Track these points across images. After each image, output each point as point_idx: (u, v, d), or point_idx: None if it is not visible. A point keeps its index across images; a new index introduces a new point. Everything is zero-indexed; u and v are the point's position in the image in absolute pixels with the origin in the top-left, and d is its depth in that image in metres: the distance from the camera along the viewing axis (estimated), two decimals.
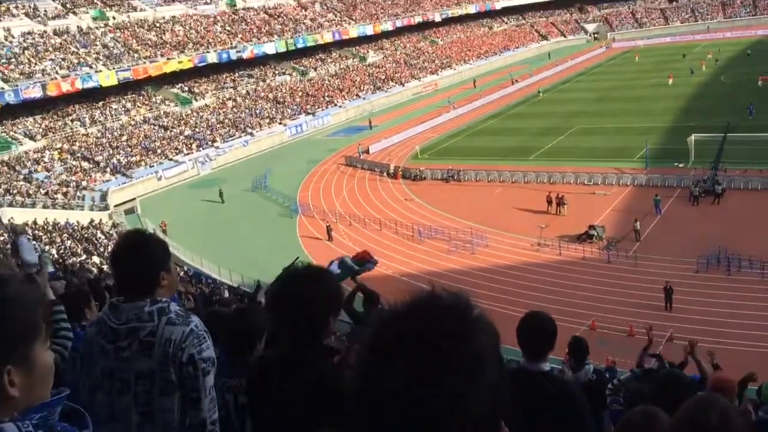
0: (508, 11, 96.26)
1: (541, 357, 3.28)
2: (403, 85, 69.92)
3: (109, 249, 29.67)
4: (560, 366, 7.77)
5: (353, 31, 73.54)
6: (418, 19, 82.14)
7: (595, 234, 27.74)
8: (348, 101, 63.40)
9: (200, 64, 57.85)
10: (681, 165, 34.87)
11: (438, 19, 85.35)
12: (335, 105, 61.91)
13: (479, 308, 1.08)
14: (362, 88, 66.69)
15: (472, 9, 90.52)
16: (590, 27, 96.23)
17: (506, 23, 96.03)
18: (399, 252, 29.38)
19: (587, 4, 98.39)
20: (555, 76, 69.76)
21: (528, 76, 69.95)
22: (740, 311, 20.34)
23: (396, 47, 79.29)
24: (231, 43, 61.73)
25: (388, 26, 77.97)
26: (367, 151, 47.07)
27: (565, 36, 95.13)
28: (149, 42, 57.10)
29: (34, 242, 22.97)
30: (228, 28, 64.32)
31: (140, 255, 2.54)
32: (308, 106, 60.03)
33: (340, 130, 57.05)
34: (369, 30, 75.28)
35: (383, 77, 70.12)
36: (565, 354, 7.03)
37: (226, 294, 23.53)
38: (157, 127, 50.94)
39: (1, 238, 27.23)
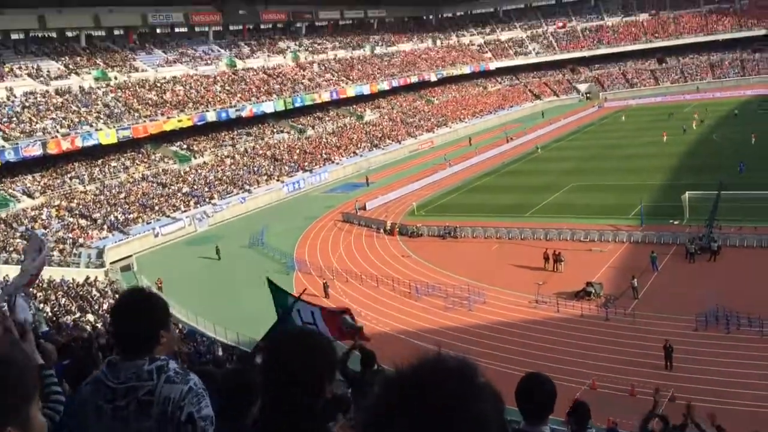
0: (501, 71, 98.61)
1: (542, 420, 3.24)
2: (400, 143, 70.89)
3: (104, 307, 29.43)
4: (564, 428, 7.63)
5: (350, 91, 75.03)
6: (413, 79, 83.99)
7: (593, 291, 27.65)
8: (345, 158, 64.14)
9: (200, 123, 58.71)
10: (676, 222, 35.11)
11: (433, 78, 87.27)
12: (332, 162, 62.60)
13: (485, 375, 1.09)
14: (359, 145, 67.58)
15: (466, 69, 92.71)
16: (582, 87, 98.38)
17: (500, 83, 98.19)
18: (396, 309, 29.19)
19: (579, 65, 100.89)
20: (549, 134, 70.90)
21: (522, 134, 71.10)
22: (741, 370, 20.11)
23: (392, 106, 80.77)
24: (230, 102, 62.84)
25: (385, 86, 79.62)
26: (364, 208, 47.32)
27: (557, 95, 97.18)
28: (150, 101, 58.07)
29: (29, 299, 22.71)
30: (228, 88, 65.57)
31: (140, 313, 2.51)
32: (306, 164, 60.67)
33: (337, 187, 57.51)
34: (366, 89, 76.83)
35: (380, 135, 71.16)
36: (565, 415, 6.93)
37: (220, 352, 23.27)
38: (155, 185, 51.28)
39: None
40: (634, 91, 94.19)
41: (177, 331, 24.31)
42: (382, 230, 42.09)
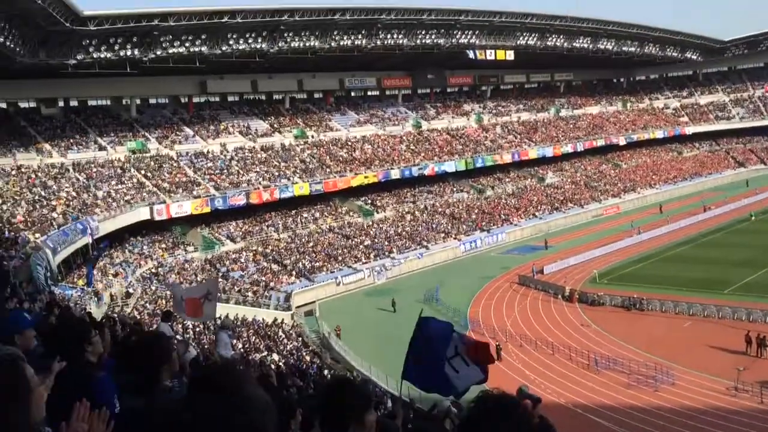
0: (699, 137, 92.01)
1: None
2: (582, 207, 68.45)
3: (288, 348, 31.35)
4: None
5: (533, 153, 74.38)
6: (600, 142, 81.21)
7: None
8: (524, 220, 63.19)
9: (384, 180, 61.56)
10: None
11: (622, 142, 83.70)
12: (511, 223, 61.95)
13: None
14: (539, 207, 66.31)
15: (659, 134, 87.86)
16: None
17: (697, 149, 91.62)
18: (572, 380, 27.71)
19: None
20: (755, 205, 64.31)
21: (722, 203, 65.31)
22: None
23: (576, 169, 78.54)
24: (414, 161, 65.27)
25: (569, 148, 77.86)
26: (542, 272, 45.99)
27: (765, 164, 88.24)
28: (340, 158, 62.20)
29: (233, 336, 24.81)
30: (412, 147, 68.25)
31: (333, 399, 2.79)
32: (484, 223, 60.66)
33: (514, 249, 56.59)
34: (549, 152, 75.72)
35: (561, 198, 69.34)
36: None
37: (389, 404, 23.57)
38: (340, 236, 54.19)
39: (198, 329, 29.95)
40: None
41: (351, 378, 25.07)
42: (560, 296, 40.56)
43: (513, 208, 65.48)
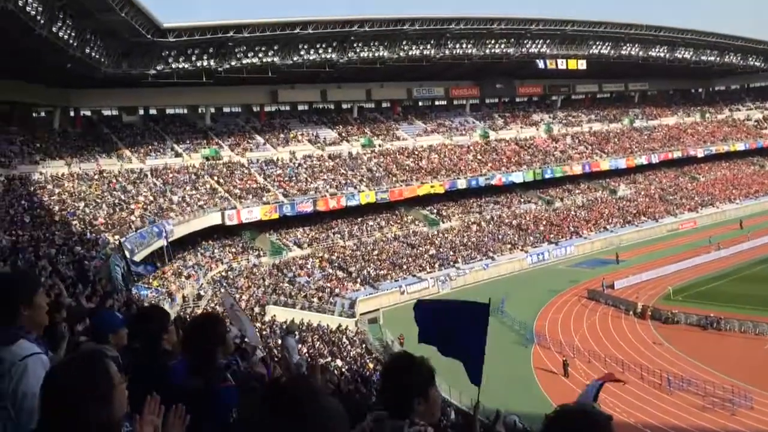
0: None
1: None
2: (657, 221, 66.10)
3: (352, 354, 31.55)
4: None
5: (604, 164, 72.43)
6: (676, 154, 78.29)
7: None
8: (594, 233, 61.53)
9: (450, 189, 61.28)
10: None
11: (700, 155, 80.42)
12: (580, 236, 60.45)
13: None
14: (610, 220, 64.45)
15: (740, 146, 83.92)
16: None
17: None
18: (643, 400, 26.73)
19: None
20: None
21: None
22: None
23: (650, 181, 75.99)
24: (481, 171, 64.73)
25: (643, 160, 75.42)
26: (612, 286, 44.63)
27: None
28: (407, 167, 62.34)
29: (298, 342, 25.22)
30: (479, 157, 67.70)
31: (393, 376, 2.79)
32: (551, 235, 59.45)
33: (583, 262, 55.15)
34: (621, 163, 73.58)
35: (634, 211, 67.18)
36: None
37: (453, 415, 23.40)
38: (405, 245, 54.25)
39: (264, 332, 30.60)
40: None
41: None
42: (631, 312, 39.25)
43: (583, 220, 63.91)
